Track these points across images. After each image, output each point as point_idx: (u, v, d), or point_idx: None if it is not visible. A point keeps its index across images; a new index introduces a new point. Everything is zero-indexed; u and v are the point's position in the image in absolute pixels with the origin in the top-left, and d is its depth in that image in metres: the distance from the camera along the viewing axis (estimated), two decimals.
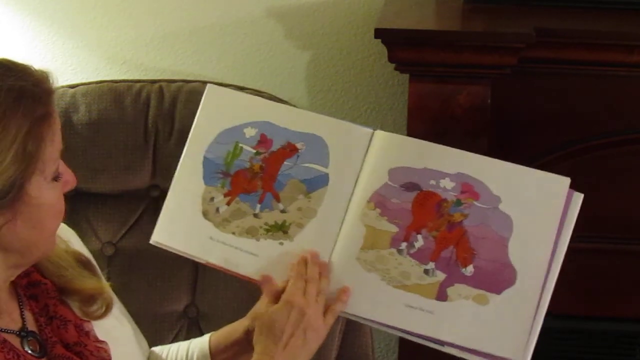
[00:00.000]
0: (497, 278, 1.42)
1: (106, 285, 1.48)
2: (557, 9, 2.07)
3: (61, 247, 1.45)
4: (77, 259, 1.47)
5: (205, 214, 1.56)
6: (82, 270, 1.45)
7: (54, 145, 1.30)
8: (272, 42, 2.35)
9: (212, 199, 1.56)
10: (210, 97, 1.61)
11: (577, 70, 1.98)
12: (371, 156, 1.51)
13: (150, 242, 1.60)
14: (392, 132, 1.55)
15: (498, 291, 1.42)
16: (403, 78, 2.19)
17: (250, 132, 1.58)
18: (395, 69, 1.98)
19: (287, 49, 2.36)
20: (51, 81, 1.32)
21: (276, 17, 2.34)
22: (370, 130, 1.53)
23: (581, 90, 2.00)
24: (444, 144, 1.52)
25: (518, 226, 1.43)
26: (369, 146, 1.52)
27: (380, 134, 1.52)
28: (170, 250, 1.58)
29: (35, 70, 1.31)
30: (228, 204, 1.55)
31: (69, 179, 1.37)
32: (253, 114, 1.59)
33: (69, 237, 1.51)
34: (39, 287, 1.40)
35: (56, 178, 1.32)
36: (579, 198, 1.44)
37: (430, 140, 1.53)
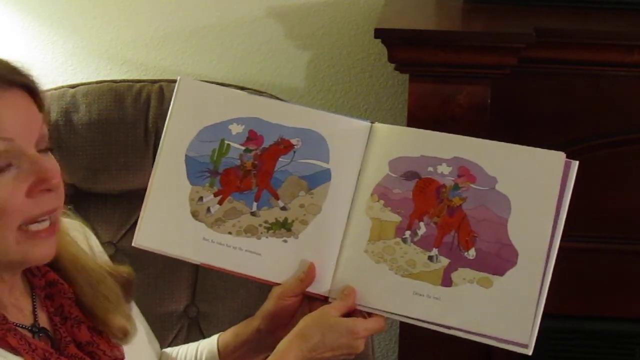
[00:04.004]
0: (499, 260, 1.42)
1: (133, 324, 1.43)
2: (557, 9, 2.07)
3: (105, 273, 1.41)
4: (124, 282, 1.43)
5: (195, 215, 1.52)
6: (122, 305, 1.41)
7: None
8: (272, 42, 2.35)
9: (200, 198, 1.52)
10: (184, 92, 1.55)
11: (577, 70, 1.98)
12: (372, 149, 1.50)
13: (133, 245, 1.54)
14: None
15: (501, 273, 1.42)
16: (403, 78, 2.19)
17: (237, 129, 1.53)
18: (395, 69, 1.98)
19: (287, 49, 2.36)
20: (18, 73, 1.25)
21: (276, 17, 2.34)
22: (368, 124, 1.51)
23: (581, 90, 1.99)
24: None
25: (516, 206, 1.43)
26: (367, 139, 1.51)
27: (379, 127, 1.51)
28: (158, 252, 1.53)
29: None
30: (220, 203, 1.52)
31: (41, 176, 1.25)
32: (238, 109, 1.54)
33: (88, 235, 1.49)
34: (56, 287, 1.37)
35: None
36: (575, 166, 1.42)
37: None
